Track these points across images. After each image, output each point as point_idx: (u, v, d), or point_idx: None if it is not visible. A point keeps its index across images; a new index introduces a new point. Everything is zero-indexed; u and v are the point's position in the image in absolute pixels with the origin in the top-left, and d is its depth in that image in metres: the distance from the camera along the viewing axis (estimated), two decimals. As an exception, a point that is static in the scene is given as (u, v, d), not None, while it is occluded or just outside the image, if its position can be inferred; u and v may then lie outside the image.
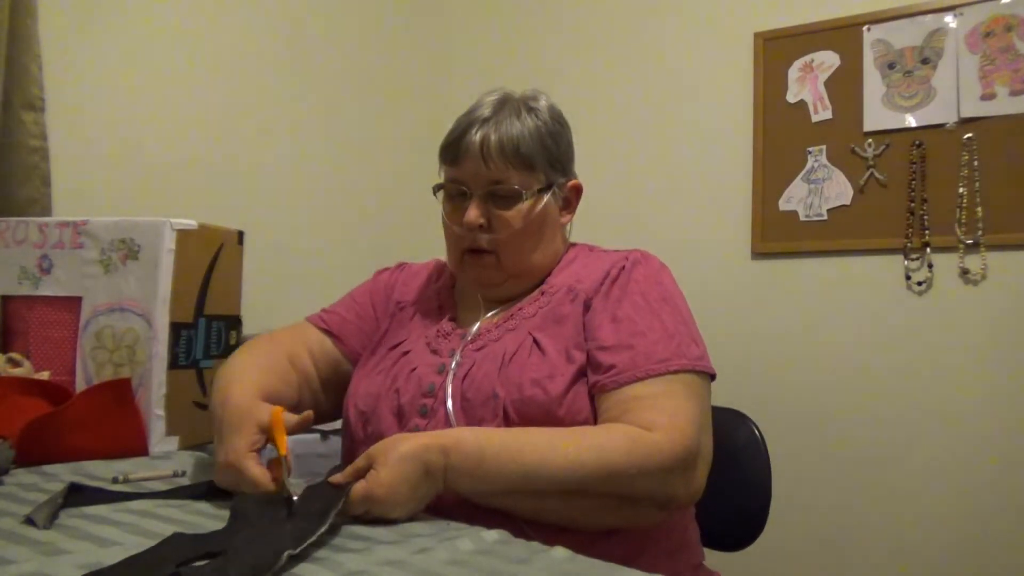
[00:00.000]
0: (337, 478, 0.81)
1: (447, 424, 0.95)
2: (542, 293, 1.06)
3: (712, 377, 0.99)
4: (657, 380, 0.92)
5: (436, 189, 1.10)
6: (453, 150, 1.05)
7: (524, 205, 1.04)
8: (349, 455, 1.04)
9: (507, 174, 1.03)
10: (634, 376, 0.92)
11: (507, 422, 0.92)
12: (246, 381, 0.97)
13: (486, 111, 1.04)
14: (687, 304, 1.04)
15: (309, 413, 0.91)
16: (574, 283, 1.04)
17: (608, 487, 0.86)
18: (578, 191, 1.14)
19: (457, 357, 1.00)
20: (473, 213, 1.03)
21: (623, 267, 1.03)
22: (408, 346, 1.07)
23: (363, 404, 1.03)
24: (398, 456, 0.79)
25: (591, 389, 0.95)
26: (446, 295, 1.16)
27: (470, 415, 0.95)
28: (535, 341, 0.98)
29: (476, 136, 1.02)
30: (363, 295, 1.20)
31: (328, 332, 1.15)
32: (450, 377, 0.98)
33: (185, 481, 0.94)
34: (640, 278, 1.02)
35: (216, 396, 0.95)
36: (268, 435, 0.87)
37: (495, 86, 1.11)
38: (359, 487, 0.78)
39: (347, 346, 1.15)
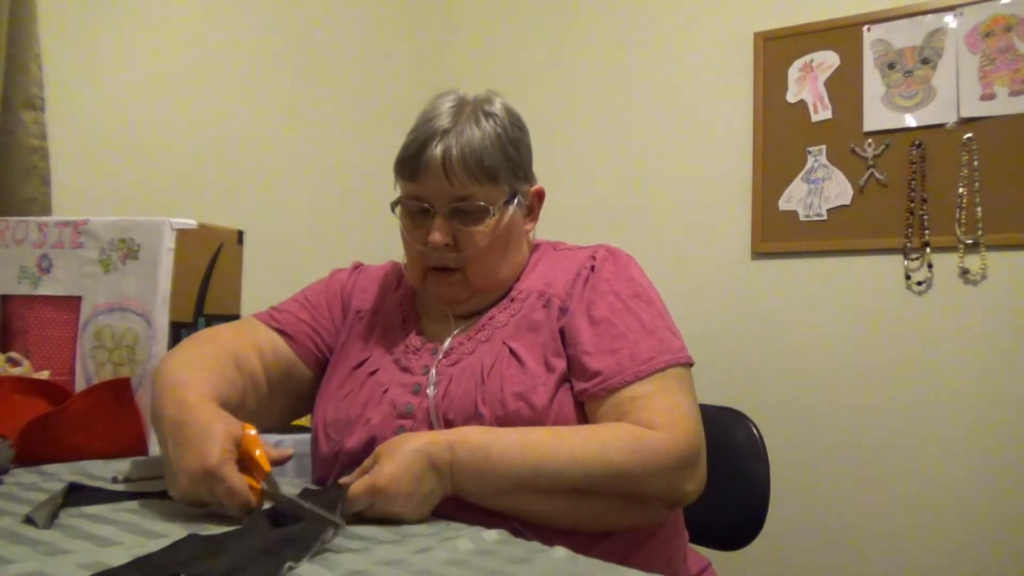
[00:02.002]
0: (347, 480, 0.80)
1: None
2: (512, 300, 1.02)
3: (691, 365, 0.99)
4: (648, 380, 0.91)
5: (394, 206, 1.02)
6: (412, 165, 0.98)
7: (491, 220, 0.98)
8: (321, 481, 1.00)
9: (471, 189, 0.97)
10: (623, 380, 0.91)
11: None
12: (198, 384, 0.88)
13: (444, 121, 0.97)
14: (659, 295, 1.03)
15: (289, 451, 0.85)
16: (544, 287, 1.01)
17: (614, 486, 0.85)
18: (540, 196, 1.09)
19: (433, 376, 0.96)
20: (438, 233, 0.97)
21: (591, 266, 1.01)
22: (374, 364, 1.02)
23: (334, 432, 0.98)
24: (402, 450, 0.79)
25: (578, 396, 0.94)
26: (408, 306, 1.09)
27: None
28: (511, 351, 0.95)
29: (436, 150, 0.95)
30: (317, 295, 1.13)
31: (281, 332, 1.06)
32: (431, 399, 0.94)
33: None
34: (610, 276, 1.00)
35: (166, 396, 0.85)
36: (240, 451, 0.79)
37: (448, 88, 1.04)
38: (362, 481, 0.77)
39: (302, 347, 1.07)
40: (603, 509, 0.87)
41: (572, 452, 0.84)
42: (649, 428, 0.87)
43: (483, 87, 1.08)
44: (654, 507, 0.91)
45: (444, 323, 1.04)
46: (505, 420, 0.90)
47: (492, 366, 0.94)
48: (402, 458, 0.78)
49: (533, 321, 0.97)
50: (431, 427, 0.93)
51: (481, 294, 1.03)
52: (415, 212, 1.00)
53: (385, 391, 0.97)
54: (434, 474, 0.80)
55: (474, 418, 0.91)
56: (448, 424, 0.92)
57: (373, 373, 1.00)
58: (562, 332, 0.97)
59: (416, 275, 1.04)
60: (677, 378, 0.94)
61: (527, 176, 1.06)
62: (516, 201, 1.02)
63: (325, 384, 1.05)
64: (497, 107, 1.02)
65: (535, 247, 1.12)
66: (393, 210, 1.03)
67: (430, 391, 0.94)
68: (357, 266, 1.19)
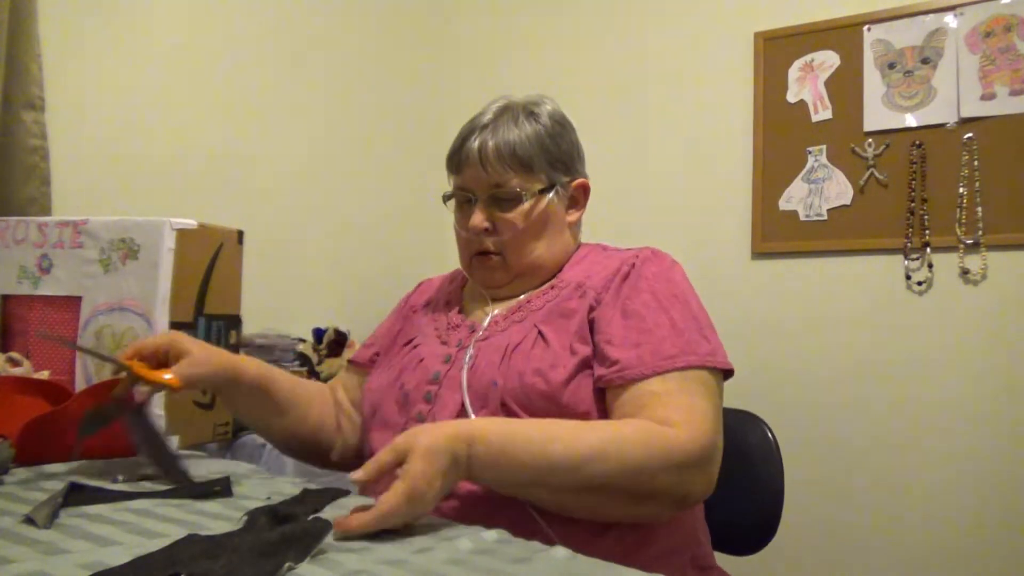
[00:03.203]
0: (358, 475, 0.76)
1: (451, 409, 0.97)
2: (552, 287, 1.07)
3: (727, 373, 0.99)
4: (670, 377, 0.92)
5: (446, 198, 1.13)
6: (456, 159, 1.09)
7: (525, 206, 1.06)
8: (364, 445, 1.10)
9: (506, 177, 1.05)
10: (641, 373, 0.92)
11: (505, 411, 0.93)
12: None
13: (486, 118, 1.08)
14: (699, 300, 1.05)
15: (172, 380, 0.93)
16: (584, 279, 1.05)
17: (629, 482, 0.85)
18: (585, 190, 1.16)
19: (470, 350, 1.01)
20: (477, 218, 1.07)
21: (633, 264, 1.04)
22: (419, 340, 1.11)
23: (374, 396, 1.08)
24: (427, 449, 0.75)
25: (596, 382, 0.95)
26: (456, 293, 1.19)
27: (471, 404, 0.97)
28: (540, 333, 0.99)
29: (475, 143, 1.06)
30: (393, 313, 1.27)
31: (353, 365, 1.23)
32: (465, 367, 0.99)
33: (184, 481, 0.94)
34: (650, 275, 1.02)
35: None
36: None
37: (501, 93, 1.13)
38: (398, 489, 0.72)
39: (365, 366, 1.21)
40: (614, 501, 0.88)
41: (591, 446, 0.83)
42: (665, 425, 0.88)
43: (480, 91, 1.13)
44: (659, 503, 0.90)
45: (485, 306, 1.11)
46: (519, 392, 0.93)
47: (519, 344, 0.98)
48: (430, 457, 0.75)
49: (566, 309, 1.01)
50: (456, 393, 0.97)
51: (521, 278, 1.09)
52: (462, 203, 1.11)
53: (421, 360, 1.06)
54: (455, 469, 0.77)
55: (489, 387, 0.95)
56: (470, 390, 0.96)
57: (416, 347, 1.10)
58: (592, 322, 1.00)
59: (465, 262, 1.14)
60: (701, 381, 0.94)
61: (568, 169, 1.13)
62: (554, 190, 1.09)
63: (379, 364, 1.16)
64: (542, 108, 1.11)
65: (582, 245, 1.18)
66: (445, 203, 1.14)
67: (463, 368, 0.99)
68: (420, 283, 1.30)
